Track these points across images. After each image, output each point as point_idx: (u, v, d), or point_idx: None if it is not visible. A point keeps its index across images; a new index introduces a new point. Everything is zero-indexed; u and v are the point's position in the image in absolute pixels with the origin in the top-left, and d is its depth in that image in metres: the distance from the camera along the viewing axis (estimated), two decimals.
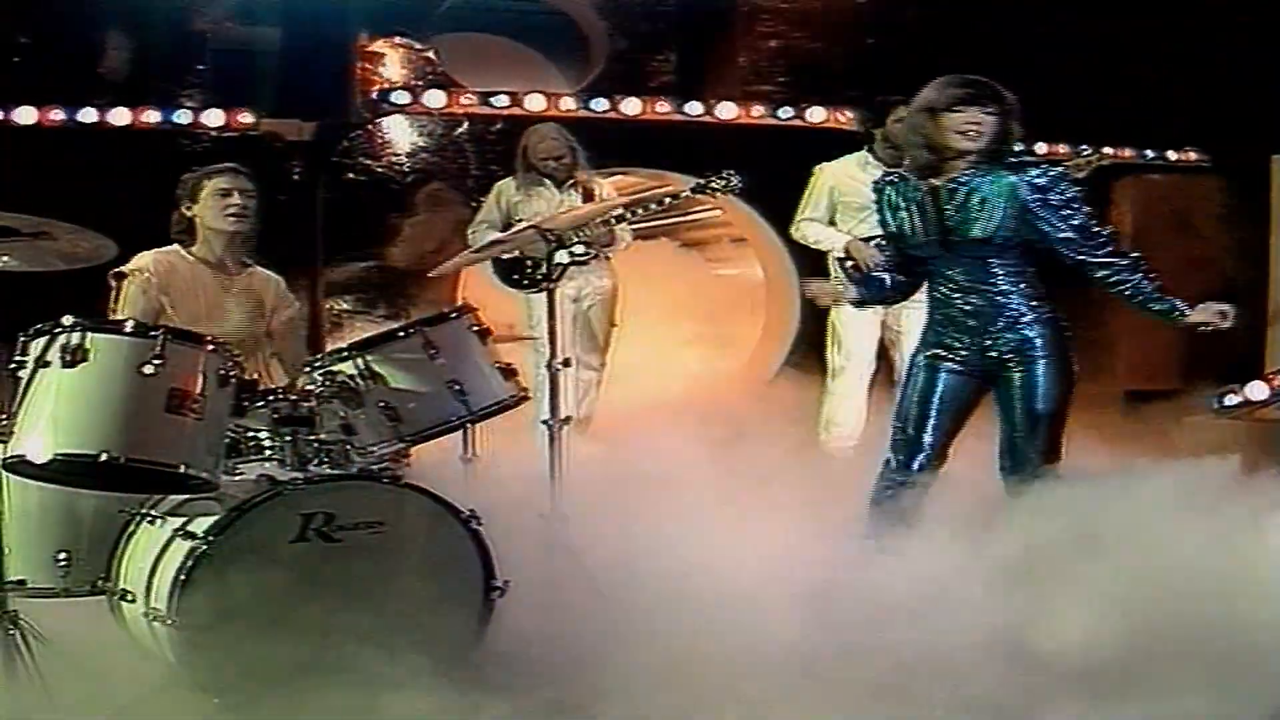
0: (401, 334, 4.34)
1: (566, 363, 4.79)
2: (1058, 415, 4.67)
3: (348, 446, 4.21)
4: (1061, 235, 4.55)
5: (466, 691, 3.81)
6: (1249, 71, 8.66)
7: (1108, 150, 7.39)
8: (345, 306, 8.11)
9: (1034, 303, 4.65)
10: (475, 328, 4.39)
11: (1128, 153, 9.34)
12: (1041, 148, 9.06)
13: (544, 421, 4.61)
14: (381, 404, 4.22)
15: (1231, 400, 8.28)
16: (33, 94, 7.92)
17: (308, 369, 4.34)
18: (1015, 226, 4.57)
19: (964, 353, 4.73)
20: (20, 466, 3.80)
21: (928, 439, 4.79)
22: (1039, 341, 4.62)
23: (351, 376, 4.23)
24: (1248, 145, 9.00)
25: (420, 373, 4.26)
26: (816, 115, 8.43)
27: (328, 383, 4.23)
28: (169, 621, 3.73)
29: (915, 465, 4.80)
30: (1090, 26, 8.86)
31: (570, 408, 6.71)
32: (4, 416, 3.80)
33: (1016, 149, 4.76)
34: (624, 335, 7.88)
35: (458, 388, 4.26)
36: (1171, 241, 9.32)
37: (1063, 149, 9.11)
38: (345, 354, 4.30)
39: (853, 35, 9.50)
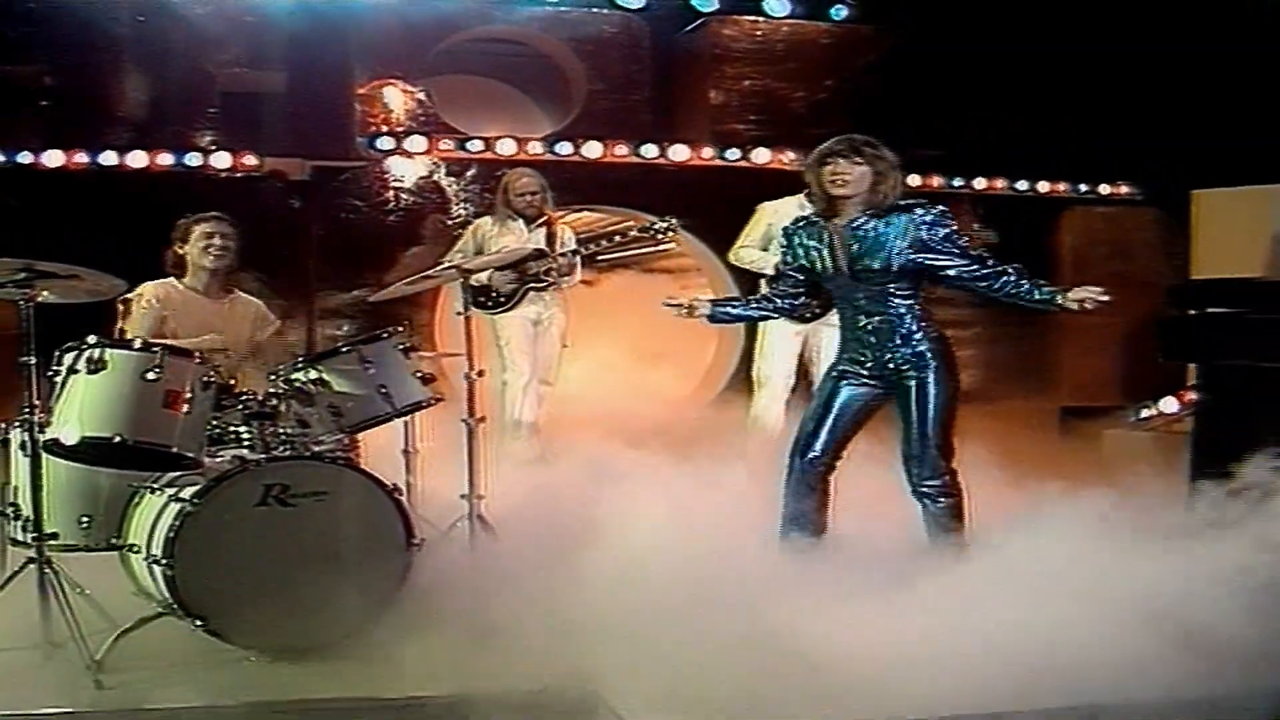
0: (344, 350, 6.12)
1: (480, 373, 6.44)
2: (948, 415, 5.93)
3: (303, 436, 5.94)
4: (951, 261, 5.83)
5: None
6: (1175, 112, 10.20)
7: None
8: (337, 331, 9.70)
9: (923, 321, 5.92)
10: (401, 346, 6.14)
11: (1062, 186, 10.96)
12: (981, 183, 10.73)
13: (463, 420, 6.31)
14: (328, 404, 5.97)
15: (1146, 414, 9.90)
16: (58, 138, 9.64)
17: (272, 376, 6.09)
18: (910, 258, 5.82)
19: (868, 366, 5.96)
20: (55, 448, 5.51)
21: (820, 442, 6.06)
22: (929, 354, 5.87)
23: (305, 383, 5.99)
24: (1174, 180, 10.54)
25: (357, 380, 6.01)
26: (762, 156, 10.02)
27: (287, 387, 5.98)
28: (163, 563, 5.38)
29: (807, 463, 6.01)
30: (1031, 73, 10.43)
31: (526, 414, 8.52)
32: (42, 413, 5.50)
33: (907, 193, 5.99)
34: (594, 355, 9.57)
35: (385, 391, 6.02)
36: (1110, 267, 10.91)
37: (1000, 183, 10.77)
38: (300, 365, 6.05)
39: (814, 77, 11.15)
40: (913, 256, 5.81)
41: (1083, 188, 11.19)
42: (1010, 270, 5.84)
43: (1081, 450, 9.79)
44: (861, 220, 5.87)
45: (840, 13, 11.45)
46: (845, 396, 6.05)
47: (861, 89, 10.94)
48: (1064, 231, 11.23)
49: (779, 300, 6.27)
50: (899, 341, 5.89)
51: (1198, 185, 10.07)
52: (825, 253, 5.95)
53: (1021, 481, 6.84)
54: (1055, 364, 11.03)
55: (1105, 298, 5.72)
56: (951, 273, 5.84)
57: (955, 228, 5.89)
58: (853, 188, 5.82)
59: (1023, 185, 10.96)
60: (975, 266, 5.85)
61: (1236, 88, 9.86)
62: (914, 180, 10.66)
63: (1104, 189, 11.20)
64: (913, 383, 5.89)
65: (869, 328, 5.95)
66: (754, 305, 6.53)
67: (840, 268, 5.93)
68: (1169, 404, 9.68)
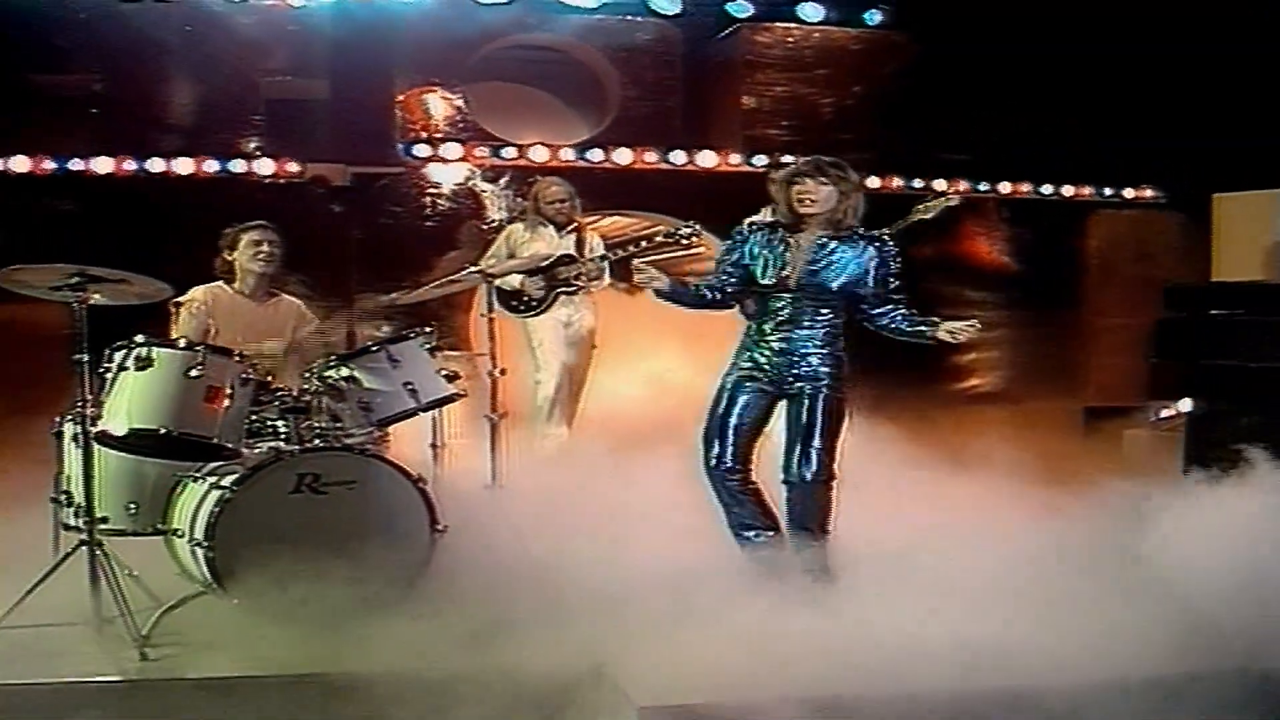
0: (373, 349, 6.73)
1: (503, 371, 7.01)
2: (834, 426, 6.36)
3: (335, 429, 6.51)
4: (875, 292, 6.37)
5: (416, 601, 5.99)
6: (1198, 115, 10.61)
7: (954, 196, 9.04)
8: (376, 332, 10.07)
9: (831, 341, 6.37)
10: (427, 345, 6.72)
11: (1087, 191, 11.41)
12: (1006, 187, 11.19)
13: (486, 415, 6.87)
14: (358, 399, 6.56)
15: (1166, 414, 10.32)
16: (108, 145, 10.18)
17: (307, 374, 6.67)
18: (848, 285, 6.32)
19: (769, 374, 6.37)
20: (106, 439, 6.13)
21: (728, 453, 6.37)
22: (825, 374, 6.34)
23: (337, 380, 6.58)
24: (1198, 183, 10.91)
25: (385, 377, 6.62)
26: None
27: (320, 384, 6.57)
28: (204, 545, 5.97)
29: (722, 475, 6.39)
30: (1055, 76, 10.90)
31: (556, 412, 9.07)
32: (93, 406, 6.09)
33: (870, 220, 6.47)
34: (626, 357, 10.09)
35: (411, 387, 6.62)
36: (1133, 270, 11.34)
37: (1025, 188, 11.23)
38: (333, 363, 6.64)
39: (844, 83, 11.60)
40: (848, 284, 6.36)
41: (1107, 192, 11.61)
42: (903, 308, 6.41)
43: (1102, 450, 10.24)
44: (825, 239, 6.37)
45: (874, 17, 11.83)
46: (743, 403, 6.44)
47: (889, 95, 11.37)
48: (1089, 236, 11.67)
49: (710, 292, 6.56)
50: (799, 357, 6.37)
51: (1221, 189, 10.41)
52: (775, 261, 6.37)
53: (1036, 479, 7.36)
54: (1080, 365, 11.46)
55: (975, 327, 6.28)
56: (864, 306, 6.41)
57: (895, 269, 6.41)
58: (819, 206, 6.32)
59: (1047, 189, 11.43)
60: (884, 306, 6.41)
61: (1260, 90, 10.25)
62: (940, 184, 11.16)
63: (1128, 193, 11.64)
64: (805, 398, 6.35)
65: (778, 338, 6.40)
66: (693, 291, 6.67)
67: (787, 278, 6.36)
68: (1187, 404, 10.05)
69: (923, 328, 6.34)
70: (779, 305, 6.39)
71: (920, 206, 8.65)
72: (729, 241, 6.55)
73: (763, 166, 9.33)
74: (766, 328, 6.42)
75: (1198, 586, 5.70)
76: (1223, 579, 5.71)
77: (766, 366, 6.41)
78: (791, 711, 5.16)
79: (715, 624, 5.63)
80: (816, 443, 6.32)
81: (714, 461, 6.42)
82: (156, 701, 5.40)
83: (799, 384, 6.36)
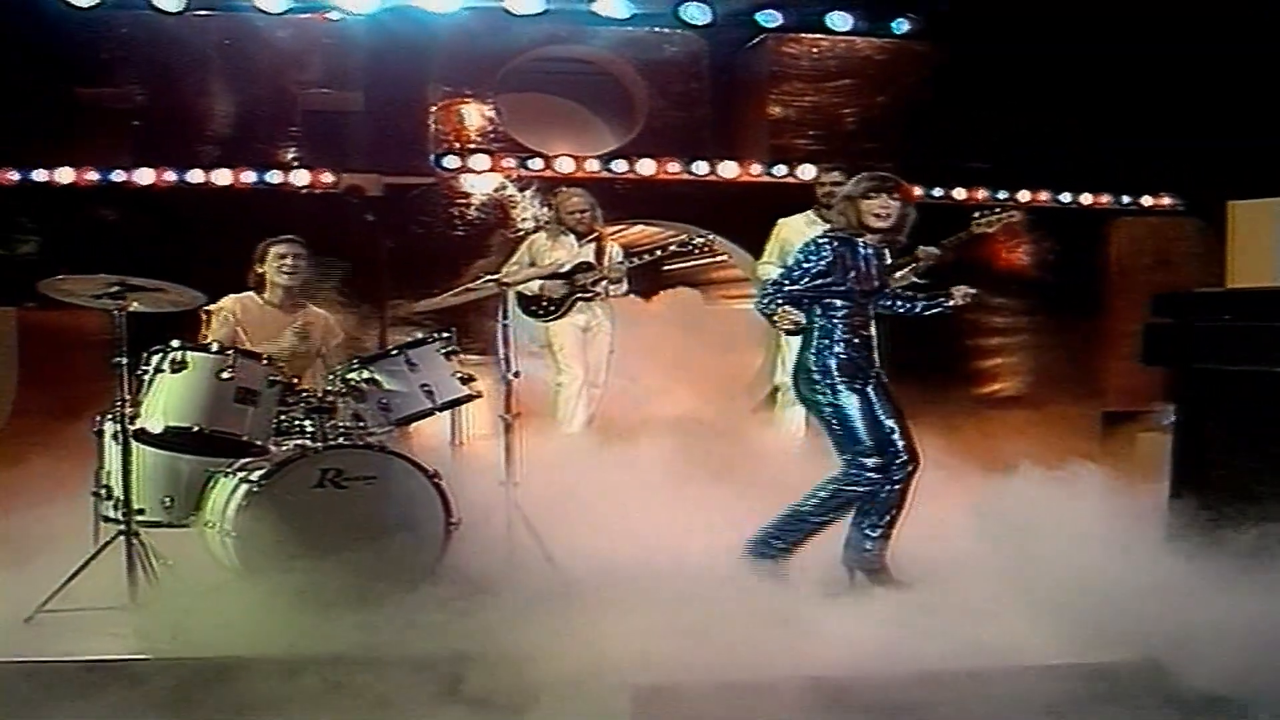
0: (393, 352, 7.30)
1: (517, 374, 7.56)
2: None
3: (357, 428, 7.08)
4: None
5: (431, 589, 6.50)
6: (1216, 122, 11.01)
7: (1015, 211, 9.26)
8: (407, 337, 10.57)
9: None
10: (443, 350, 7.28)
11: (1106, 198, 11.86)
12: (1025, 195, 11.66)
13: (501, 415, 7.45)
14: (378, 400, 7.13)
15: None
16: (149, 157, 10.79)
17: (330, 376, 7.26)
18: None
19: (873, 366, 6.81)
20: (143, 436, 6.75)
21: (897, 442, 6.77)
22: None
23: (359, 381, 7.15)
24: (1215, 190, 11.29)
25: (403, 379, 7.18)
26: (809, 173, 10.98)
27: (343, 385, 7.15)
28: (233, 536, 6.53)
29: (893, 466, 6.74)
30: (1073, 87, 11.37)
31: (578, 414, 9.62)
32: (131, 406, 6.69)
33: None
34: (651, 360, 10.63)
35: (427, 389, 7.18)
36: (1151, 277, 11.71)
37: (1044, 195, 11.69)
38: (355, 366, 7.21)
39: (868, 93, 12.09)
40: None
41: (1125, 199, 12.05)
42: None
43: (1119, 452, 10.64)
44: (882, 247, 6.95)
45: (901, 26, 12.29)
46: (871, 398, 6.82)
47: (914, 104, 11.84)
48: (1108, 242, 12.09)
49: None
50: (873, 349, 6.91)
51: (1240, 195, 10.74)
52: (870, 270, 6.85)
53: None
54: (1099, 370, 11.86)
55: (973, 290, 7.01)
56: (894, 300, 7.18)
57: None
58: (891, 221, 6.81)
59: (1066, 197, 11.90)
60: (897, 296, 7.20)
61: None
62: (960, 193, 11.64)
63: (1146, 200, 12.07)
64: (881, 385, 6.88)
65: (871, 333, 6.91)
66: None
67: (881, 284, 6.94)
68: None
69: (940, 299, 7.14)
70: (866, 308, 6.89)
71: (981, 220, 8.85)
72: (813, 254, 6.79)
73: (816, 178, 9.74)
74: (863, 328, 6.87)
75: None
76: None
77: (870, 362, 6.85)
78: (782, 695, 5.64)
79: (712, 612, 6.12)
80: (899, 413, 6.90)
81: (885, 457, 6.76)
82: (186, 678, 5.83)
83: (872, 373, 6.86)
